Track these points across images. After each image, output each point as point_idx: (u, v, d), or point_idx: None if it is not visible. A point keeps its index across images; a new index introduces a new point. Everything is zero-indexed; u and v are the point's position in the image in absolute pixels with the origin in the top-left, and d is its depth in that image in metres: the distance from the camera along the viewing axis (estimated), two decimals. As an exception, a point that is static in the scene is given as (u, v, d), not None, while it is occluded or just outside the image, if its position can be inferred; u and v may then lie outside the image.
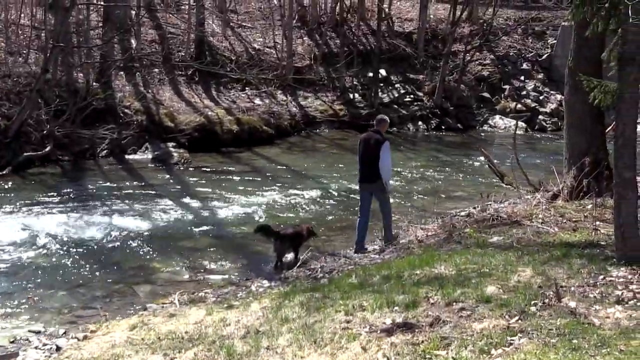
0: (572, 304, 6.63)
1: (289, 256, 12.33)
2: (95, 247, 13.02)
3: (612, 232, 8.82)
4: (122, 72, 26.25)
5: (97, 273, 11.57)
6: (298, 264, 11.75)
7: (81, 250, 12.75)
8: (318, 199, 17.14)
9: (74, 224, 14.41)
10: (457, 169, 21.58)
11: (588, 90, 11.17)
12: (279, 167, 21.73)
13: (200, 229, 14.45)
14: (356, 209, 13.12)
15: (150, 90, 26.10)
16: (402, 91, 32.15)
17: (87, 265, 11.89)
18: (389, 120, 13.39)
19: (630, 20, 7.58)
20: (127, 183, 18.72)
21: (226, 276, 11.53)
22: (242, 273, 11.71)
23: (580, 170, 12.94)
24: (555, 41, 35.40)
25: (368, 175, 12.34)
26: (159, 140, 23.25)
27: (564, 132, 14.12)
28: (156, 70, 27.79)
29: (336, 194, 17.81)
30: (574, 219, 11.30)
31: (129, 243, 13.27)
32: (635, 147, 8.11)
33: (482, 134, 30.23)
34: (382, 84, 31.84)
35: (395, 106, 31.19)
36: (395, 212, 14.09)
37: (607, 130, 13.99)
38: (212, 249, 13.03)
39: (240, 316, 7.84)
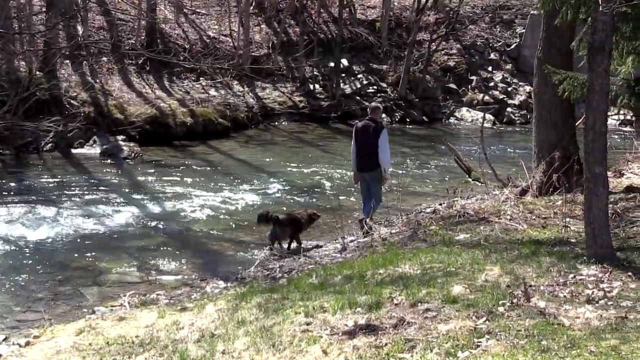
0: (542, 304, 6.70)
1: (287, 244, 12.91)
2: (39, 246, 12.85)
3: (582, 229, 8.94)
4: (67, 61, 25.97)
5: (41, 274, 11.41)
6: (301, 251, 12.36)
7: (23, 250, 12.58)
8: (277, 195, 17.15)
9: (15, 221, 14.23)
10: (422, 164, 21.71)
11: (557, 83, 11.32)
12: (235, 161, 21.67)
13: (152, 227, 14.37)
14: (321, 205, 13.39)
15: (98, 80, 25.87)
16: (365, 82, 32.23)
17: (30, 266, 11.73)
18: (382, 107, 14.17)
19: (600, 9, 7.67)
20: (74, 179, 18.53)
21: (179, 277, 11.46)
22: (197, 273, 11.65)
23: (550, 164, 13.07)
24: (524, 30, 35.75)
25: (367, 163, 13.05)
26: (107, 133, 23.09)
27: (533, 125, 14.26)
28: (104, 58, 27.53)
29: (295, 190, 17.81)
30: (543, 216, 11.42)
31: (75, 242, 13.14)
32: (606, 141, 8.20)
33: (449, 127, 30.47)
34: (344, 75, 31.88)
35: (358, 97, 31.28)
36: (357, 208, 14.31)
37: (577, 124, 14.17)
38: (164, 248, 12.94)
39: (195, 319, 7.80)
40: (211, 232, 14.12)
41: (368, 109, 13.98)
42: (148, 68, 28.10)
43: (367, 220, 12.69)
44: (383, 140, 12.90)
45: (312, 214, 13.34)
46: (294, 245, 12.90)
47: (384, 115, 30.36)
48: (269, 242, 12.74)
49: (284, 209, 15.01)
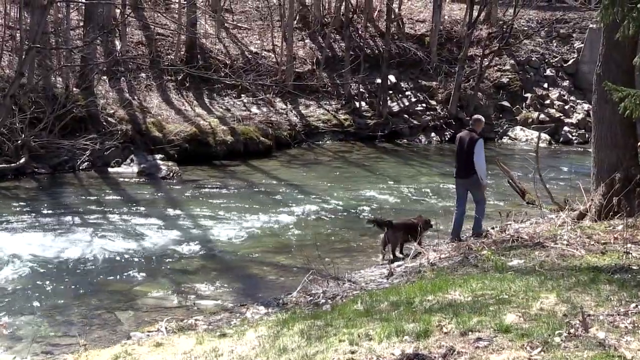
0: (601, 335, 6.61)
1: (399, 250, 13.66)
2: (74, 268, 13.00)
3: (644, 256, 8.82)
4: (105, 77, 26.37)
5: (76, 297, 11.54)
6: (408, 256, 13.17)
7: (58, 272, 12.73)
8: (320, 218, 17.15)
9: (50, 243, 14.40)
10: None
11: (617, 100, 11.20)
12: (277, 182, 21.75)
13: (190, 249, 14.43)
14: (367, 228, 14.46)
15: (136, 97, 26.22)
16: (414, 99, 32.25)
17: (64, 289, 11.87)
18: (484, 120, 15.24)
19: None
20: (110, 198, 18.75)
21: (219, 302, 11.49)
22: (237, 298, 11.67)
23: (610, 187, 12.93)
24: (582, 45, 35.52)
25: (464, 170, 14.10)
26: (145, 151, 23.35)
27: (592, 145, 14.13)
28: (143, 74, 27.93)
29: (340, 212, 17.82)
30: (602, 241, 11.28)
31: (111, 264, 13.26)
32: (670, 161, 8.11)
33: (502, 146, 30.31)
34: (391, 91, 31.94)
35: (406, 116, 31.30)
36: None
37: (639, 144, 14.00)
38: (203, 272, 13.01)
39: (234, 345, 7.81)
40: (251, 255, 14.16)
41: (470, 120, 15.35)
42: (188, 84, 28.43)
43: (475, 226, 14.06)
44: (478, 149, 13.83)
45: (428, 220, 14.17)
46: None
47: (433, 134, 30.37)
48: (380, 247, 13.68)
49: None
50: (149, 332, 9.85)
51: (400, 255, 13.58)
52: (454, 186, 14.95)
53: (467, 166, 13.95)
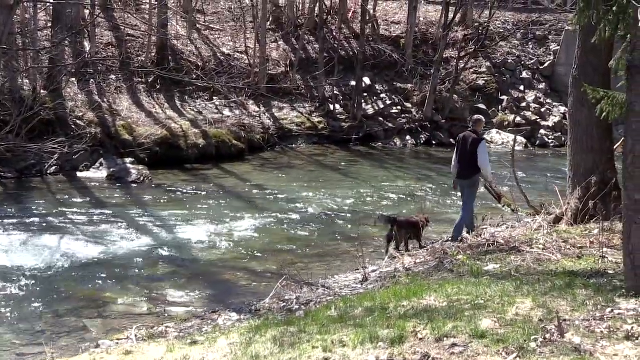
0: (577, 340, 6.65)
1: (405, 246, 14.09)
2: (41, 275, 12.88)
3: (621, 260, 8.88)
4: (73, 79, 26.21)
5: (43, 305, 11.44)
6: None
7: (24, 278, 12.60)
8: (294, 222, 17.14)
9: (16, 249, 14.30)
10: (450, 190, 21.62)
11: (594, 103, 11.28)
12: (250, 186, 21.72)
13: (161, 255, 14.38)
14: (341, 233, 13.97)
15: (105, 99, 26.09)
16: (389, 102, 32.35)
17: (31, 296, 11.77)
18: (484, 119, 15.88)
19: (639, 25, 7.66)
20: (79, 203, 18.63)
21: (190, 308, 11.46)
22: (208, 305, 11.64)
23: (586, 190, 13.03)
24: (558, 47, 35.78)
25: (467, 170, 14.42)
26: (115, 155, 23.23)
27: (568, 148, 14.23)
28: (113, 76, 27.81)
29: (314, 216, 17.83)
30: (578, 245, 11.37)
31: (79, 271, 13.16)
32: (646, 165, 8.17)
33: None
34: (366, 94, 32.01)
35: (381, 118, 31.38)
36: (379, 236, 14.73)
37: (615, 147, 14.12)
38: (174, 278, 12.96)
39: (205, 353, 7.79)
40: (223, 260, 14.14)
41: (470, 121, 15.90)
42: (159, 87, 28.32)
43: (455, 232, 14.21)
44: (482, 150, 14.18)
45: (427, 218, 14.67)
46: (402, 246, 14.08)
47: (408, 137, 30.47)
48: (384, 242, 14.05)
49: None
50: (118, 339, 9.79)
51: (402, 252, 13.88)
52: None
53: (470, 167, 14.30)
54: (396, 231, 13.87)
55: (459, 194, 15.35)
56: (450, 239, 14.28)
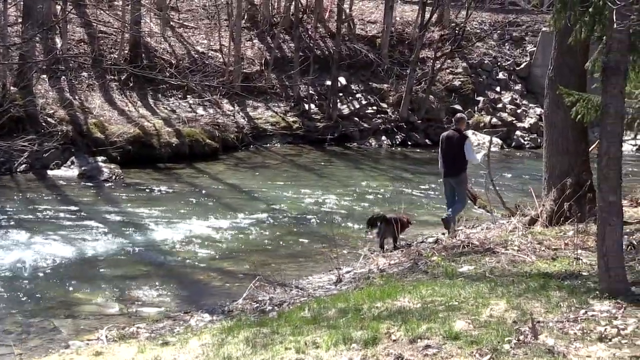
0: (550, 342, 6.71)
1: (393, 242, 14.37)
2: (9, 275, 12.78)
3: (595, 262, 8.95)
4: (44, 76, 26.04)
5: (11, 305, 11.35)
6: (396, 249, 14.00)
7: (-7, 278, 12.54)
8: (267, 223, 17.12)
9: (-16, 248, 14.20)
10: (425, 190, 21.73)
11: (570, 105, 11.38)
12: (223, 186, 21.69)
13: (133, 255, 14.33)
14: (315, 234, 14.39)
15: (77, 97, 25.94)
16: (364, 102, 32.37)
17: None
18: (466, 118, 16.46)
19: (615, 26, 7.73)
20: (49, 202, 18.51)
21: (162, 309, 11.42)
22: (180, 305, 11.61)
23: (561, 192, 13.13)
24: (534, 48, 35.99)
25: (453, 169, 14.85)
26: (86, 153, 23.11)
27: (544, 150, 14.33)
28: (84, 74, 27.65)
29: (288, 217, 17.83)
30: (553, 247, 11.46)
31: (49, 271, 13.08)
32: (620, 167, 8.25)
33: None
34: (341, 94, 32.03)
35: (356, 119, 31.41)
36: (353, 237, 15.07)
37: (591, 149, 14.23)
38: (146, 278, 12.91)
39: (177, 354, 7.78)
40: (196, 261, 14.10)
41: (453, 119, 15.98)
42: (131, 84, 28.20)
43: (452, 223, 14.57)
44: (468, 146, 14.75)
45: (409, 220, 14.82)
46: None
47: (383, 138, 30.53)
48: (378, 240, 14.38)
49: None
50: (88, 340, 9.75)
51: (389, 247, 14.27)
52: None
53: (457, 164, 14.71)
54: (384, 228, 14.16)
55: (444, 191, 15.63)
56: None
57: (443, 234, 14.84)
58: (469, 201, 15.89)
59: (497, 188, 16.70)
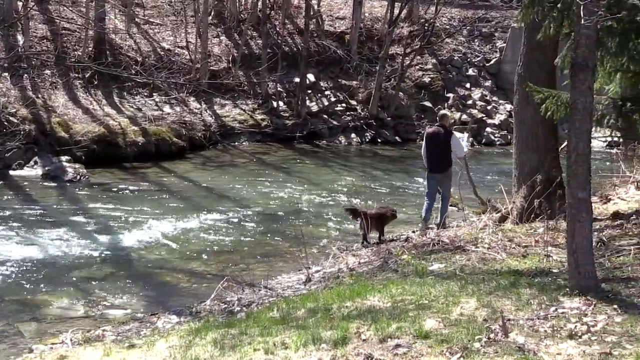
0: (521, 339, 6.75)
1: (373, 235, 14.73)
2: (-28, 278, 12.69)
3: (565, 259, 9.02)
4: (6, 74, 25.78)
5: (-26, 309, 11.28)
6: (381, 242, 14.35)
7: (-46, 281, 12.42)
8: (235, 222, 17.10)
9: (-54, 250, 14.05)
10: (395, 188, 21.81)
11: (539, 102, 11.46)
12: (191, 185, 21.62)
13: (98, 256, 14.25)
14: (284, 233, 14.21)
15: (40, 95, 25.72)
16: (333, 99, 32.40)
17: (-38, 300, 11.59)
18: (449, 114, 16.84)
19: (583, 22, 7.79)
20: (11, 203, 18.37)
21: (128, 311, 11.37)
22: (147, 307, 11.57)
23: (531, 189, 13.21)
24: (504, 45, 36.20)
25: (440, 165, 15.20)
26: (50, 153, 22.92)
27: (514, 146, 14.41)
28: (48, 72, 27.41)
29: (256, 216, 17.80)
30: (523, 244, 11.52)
31: (12, 273, 12.96)
32: (589, 163, 8.30)
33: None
34: (310, 91, 32.03)
35: (325, 116, 31.44)
36: (323, 236, 15.13)
37: (560, 148, 14.32)
38: (112, 280, 12.85)
39: (144, 357, 7.75)
40: (163, 261, 14.06)
41: (437, 116, 16.63)
42: (96, 82, 28.00)
43: (440, 220, 14.92)
44: (455, 141, 15.19)
45: (392, 212, 15.15)
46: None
47: (353, 135, 30.56)
48: (362, 232, 14.62)
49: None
50: (52, 344, 9.68)
51: (373, 241, 14.57)
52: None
53: (444, 160, 15.15)
54: (365, 222, 14.32)
55: (428, 187, 15.70)
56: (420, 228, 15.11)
57: (413, 232, 14.90)
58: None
59: (466, 185, 16.83)
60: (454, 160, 15.54)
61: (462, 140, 15.98)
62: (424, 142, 15.75)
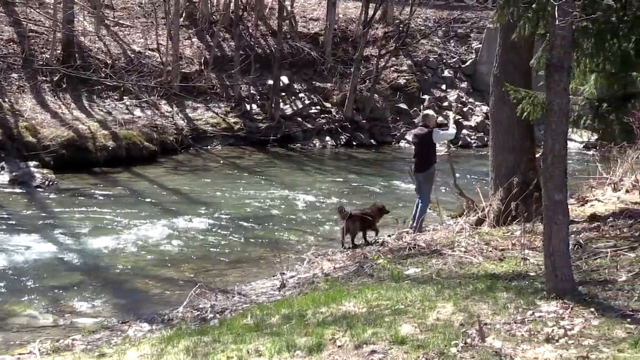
0: (497, 344, 6.78)
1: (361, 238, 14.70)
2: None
3: (542, 262, 9.06)
4: (-28, 77, 25.60)
5: (-61, 318, 11.17)
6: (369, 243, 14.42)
7: None
8: (208, 228, 17.03)
9: None
10: (371, 192, 21.82)
11: (515, 102, 11.53)
12: (162, 189, 21.54)
13: (67, 263, 14.15)
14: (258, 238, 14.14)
15: (7, 99, 25.53)
16: (307, 101, 32.39)
17: None
18: (434, 114, 17.06)
19: (557, 23, 7.84)
20: (-22, 210, 18.21)
21: (98, 319, 11.30)
22: (118, 315, 11.50)
23: (508, 191, 13.28)
24: (480, 45, 36.34)
25: (422, 164, 15.37)
26: (17, 158, 22.73)
27: (490, 148, 14.49)
28: (14, 75, 27.22)
29: (230, 221, 17.74)
30: (500, 247, 11.57)
31: (-21, 282, 12.87)
32: (566, 165, 8.34)
33: (399, 150, 30.71)
34: (283, 94, 32.00)
35: (299, 119, 31.42)
36: (298, 241, 15.14)
37: (540, 155, 14.36)
38: (81, 288, 12.76)
39: (114, 366, 7.72)
40: (135, 268, 13.97)
41: (420, 116, 16.89)
42: (64, 86, 27.82)
43: (417, 223, 14.91)
44: (436, 135, 15.32)
45: (380, 208, 15.23)
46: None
47: (327, 138, 30.56)
48: (341, 236, 14.77)
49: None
50: (20, 354, 9.60)
51: (361, 242, 14.57)
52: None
53: (425, 161, 15.25)
54: (350, 224, 14.39)
55: (414, 186, 16.10)
56: (412, 229, 14.91)
57: (389, 236, 14.92)
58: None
59: (444, 189, 16.89)
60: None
61: (448, 128, 16.33)
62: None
